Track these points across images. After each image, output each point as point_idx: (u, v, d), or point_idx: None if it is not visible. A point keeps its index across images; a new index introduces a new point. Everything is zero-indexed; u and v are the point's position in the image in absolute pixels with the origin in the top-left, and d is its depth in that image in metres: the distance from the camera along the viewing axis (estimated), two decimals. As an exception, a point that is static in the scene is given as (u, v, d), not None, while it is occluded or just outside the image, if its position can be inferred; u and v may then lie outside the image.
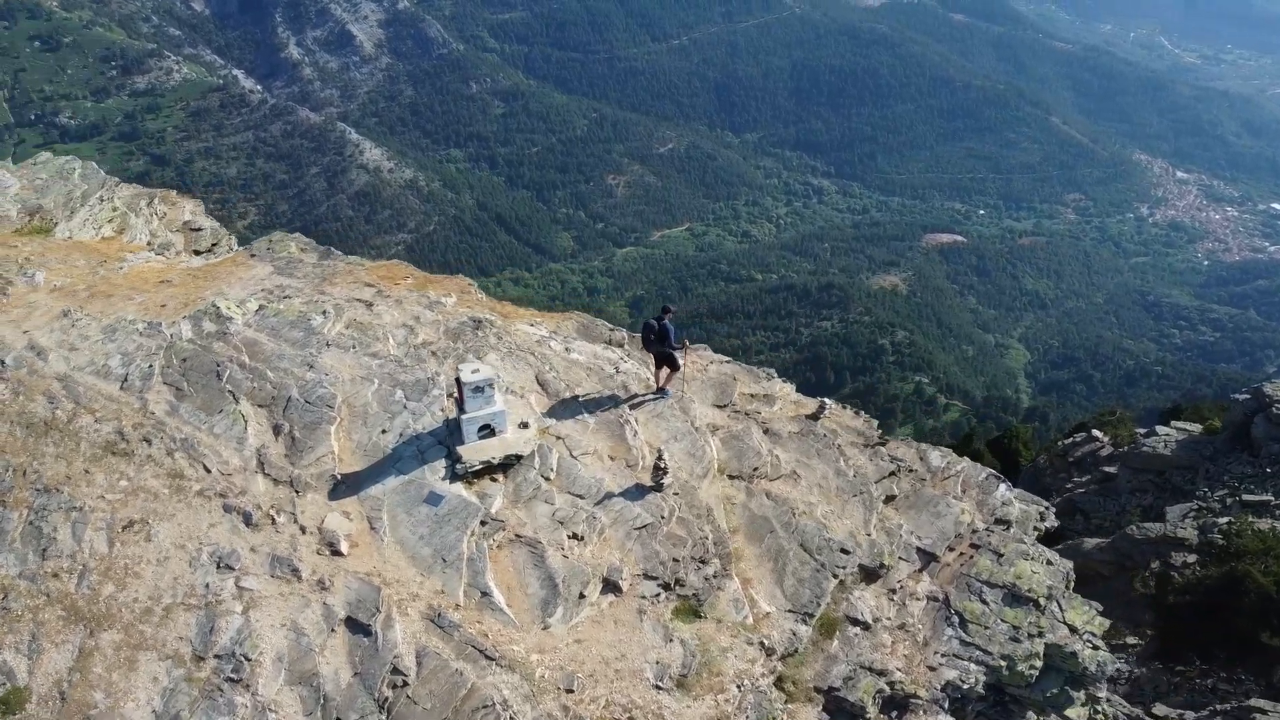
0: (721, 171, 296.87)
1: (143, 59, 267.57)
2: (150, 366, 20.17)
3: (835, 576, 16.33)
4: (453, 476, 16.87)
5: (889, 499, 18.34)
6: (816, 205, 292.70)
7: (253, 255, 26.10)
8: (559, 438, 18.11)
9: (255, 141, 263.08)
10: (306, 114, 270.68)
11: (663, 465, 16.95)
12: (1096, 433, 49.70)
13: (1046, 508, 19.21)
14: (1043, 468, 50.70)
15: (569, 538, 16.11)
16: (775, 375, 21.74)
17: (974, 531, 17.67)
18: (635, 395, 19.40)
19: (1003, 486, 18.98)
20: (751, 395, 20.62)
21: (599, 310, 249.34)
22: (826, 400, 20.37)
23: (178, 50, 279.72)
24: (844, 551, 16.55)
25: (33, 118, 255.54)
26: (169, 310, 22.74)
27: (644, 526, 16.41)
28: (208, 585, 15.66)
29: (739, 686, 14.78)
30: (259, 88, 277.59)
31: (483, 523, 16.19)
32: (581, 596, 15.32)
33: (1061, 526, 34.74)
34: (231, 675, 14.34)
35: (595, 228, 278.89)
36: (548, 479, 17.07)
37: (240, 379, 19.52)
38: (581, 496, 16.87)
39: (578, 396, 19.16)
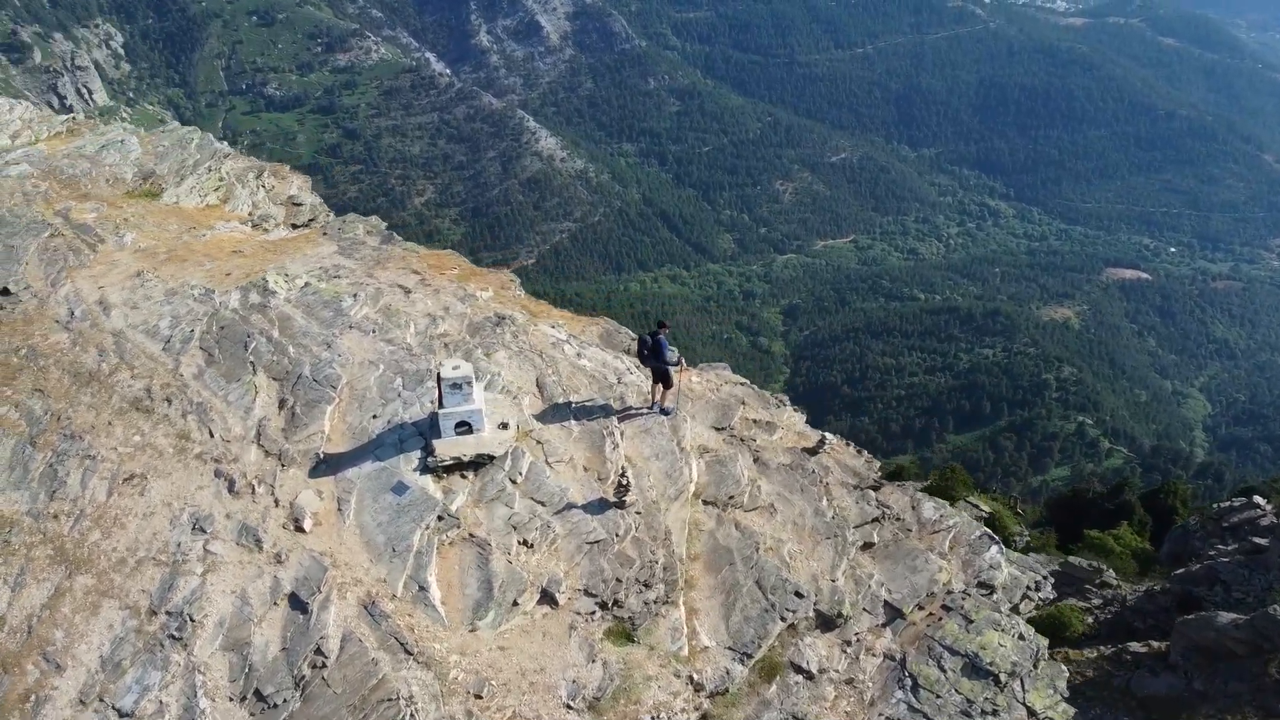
0: (893, 185, 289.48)
1: (345, 38, 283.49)
2: (192, 331, 21.39)
3: (784, 619, 15.70)
4: (424, 469, 17.16)
5: (866, 546, 17.45)
6: (990, 228, 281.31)
7: (324, 234, 27.26)
8: (539, 442, 18.14)
9: (439, 123, 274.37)
10: (489, 100, 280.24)
11: (626, 482, 16.72)
12: (1259, 499, 45.68)
13: (1044, 578, 17.85)
14: (1193, 529, 46.98)
15: (519, 543, 16.12)
16: (787, 403, 21.05)
17: (949, 592, 16.58)
18: (629, 408, 19.19)
19: (994, 549, 17.73)
20: (754, 421, 20.03)
21: (752, 315, 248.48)
22: (828, 435, 19.57)
23: (378, 31, 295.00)
24: (798, 595, 15.88)
25: (244, 87, 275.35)
26: (231, 279, 24.02)
27: (596, 542, 16.24)
28: (179, 545, 16.50)
29: (654, 718, 14.43)
30: (448, 71, 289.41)
31: (439, 518, 16.39)
32: (515, 604, 15.31)
33: (1198, 596, 32.21)
34: (174, 633, 15.07)
35: (758, 232, 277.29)
36: (514, 482, 17.12)
37: (263, 351, 20.44)
38: (543, 504, 16.84)
39: (571, 403, 19.12)
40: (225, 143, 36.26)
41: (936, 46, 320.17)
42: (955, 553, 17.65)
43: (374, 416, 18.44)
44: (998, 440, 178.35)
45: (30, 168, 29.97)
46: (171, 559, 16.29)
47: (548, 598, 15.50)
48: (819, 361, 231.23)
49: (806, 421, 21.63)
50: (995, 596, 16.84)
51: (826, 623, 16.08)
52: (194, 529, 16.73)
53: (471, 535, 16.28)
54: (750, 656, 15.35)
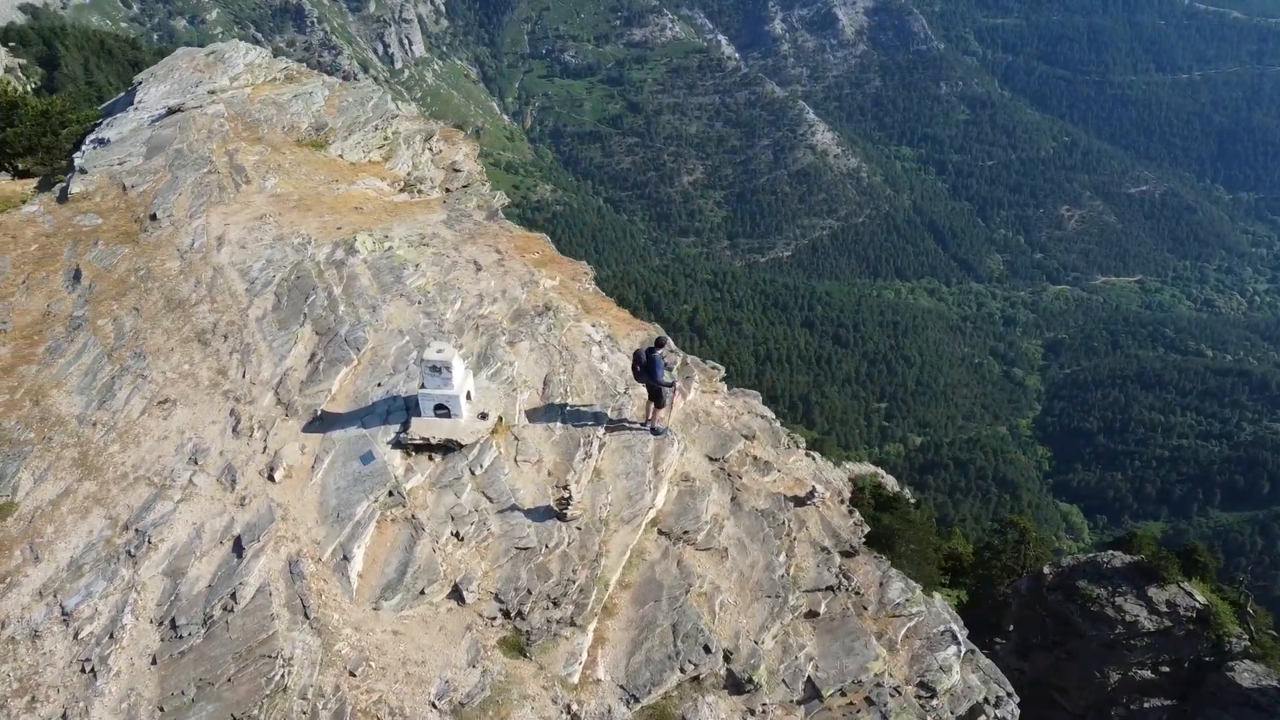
0: (1198, 227, 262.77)
1: (644, 14, 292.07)
2: (273, 277, 23.01)
3: (684, 671, 14.86)
4: (395, 443, 17.61)
5: (811, 614, 16.09)
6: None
7: (444, 203, 28.36)
8: (517, 439, 18.11)
9: (719, 105, 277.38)
10: (772, 87, 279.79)
11: (567, 496, 16.38)
12: None
13: (1007, 694, 15.71)
14: None
15: (451, 534, 16.23)
16: (801, 446, 19.75)
17: (878, 685, 14.99)
18: (623, 420, 18.73)
19: (952, 649, 15.78)
20: (754, 458, 18.96)
21: (1010, 343, 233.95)
22: (818, 487, 18.15)
23: (675, 10, 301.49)
24: (706, 649, 14.96)
25: (544, 51, 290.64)
26: (340, 233, 25.55)
27: (525, 549, 16.05)
28: (172, 471, 17.92)
29: (516, 737, 14.18)
30: (736, 55, 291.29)
31: (390, 494, 16.80)
32: (423, 593, 15.45)
33: None
34: (131, 550, 16.40)
35: (1032, 257, 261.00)
36: (473, 473, 17.22)
37: (318, 305, 21.67)
38: (491, 500, 16.84)
39: (567, 405, 18.92)
40: (403, 103, 38.49)
41: (1277, 80, 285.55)
42: (907, 644, 15.94)
43: (378, 385, 19.10)
44: (1271, 526, 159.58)
45: (225, 109, 33.18)
46: (161, 482, 17.71)
47: (457, 594, 15.52)
48: (1076, 404, 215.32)
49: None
50: (934, 701, 15.07)
51: (736, 685, 15.06)
52: (189, 459, 18.08)
53: (413, 517, 16.56)
54: (638, 700, 14.68)
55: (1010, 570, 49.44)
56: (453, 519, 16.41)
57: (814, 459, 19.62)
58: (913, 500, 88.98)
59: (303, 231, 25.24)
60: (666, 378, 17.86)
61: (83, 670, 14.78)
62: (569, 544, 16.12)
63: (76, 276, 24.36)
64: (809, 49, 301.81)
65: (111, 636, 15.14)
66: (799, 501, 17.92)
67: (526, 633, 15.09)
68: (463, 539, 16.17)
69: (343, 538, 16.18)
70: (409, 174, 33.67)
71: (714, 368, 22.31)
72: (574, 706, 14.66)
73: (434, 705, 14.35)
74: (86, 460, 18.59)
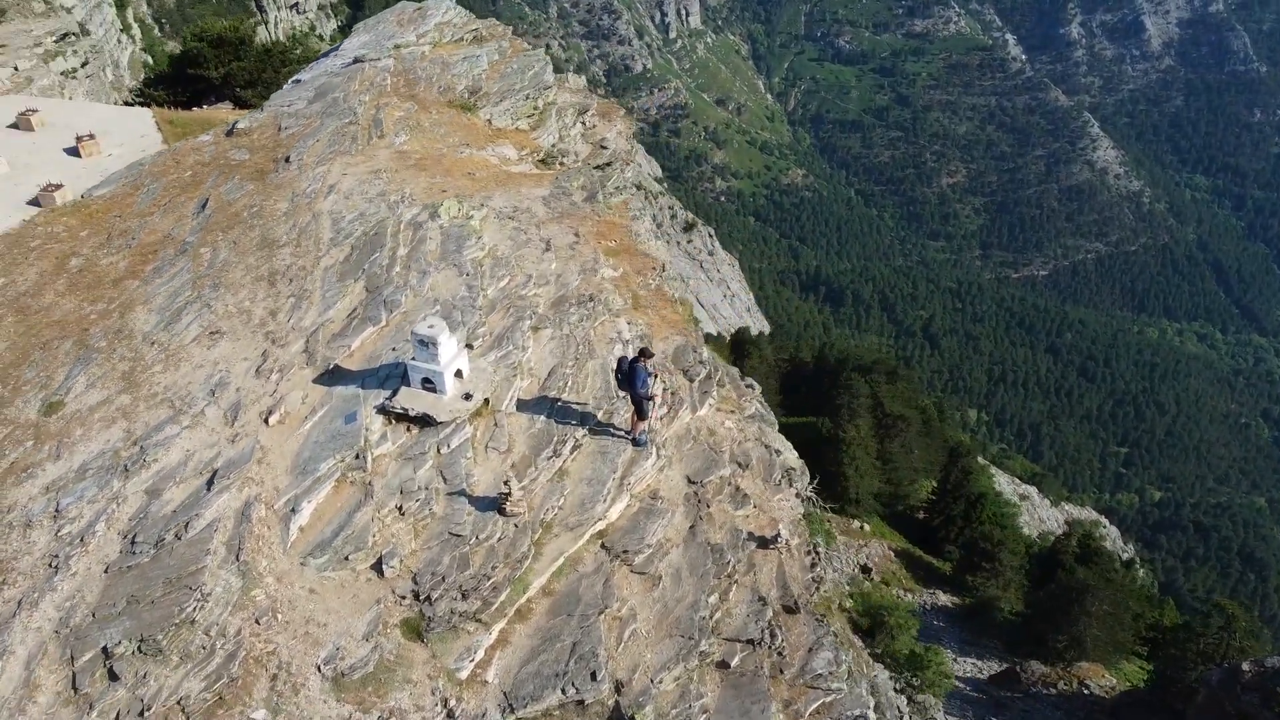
0: None
1: (928, 4, 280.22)
2: (356, 230, 24.09)
3: (565, 693, 14.38)
4: (380, 409, 18.06)
5: (723, 664, 15.04)
6: None
7: (555, 179, 28.55)
8: (496, 425, 18.08)
9: (994, 107, 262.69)
10: (1057, 95, 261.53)
11: (506, 492, 16.19)
12: None
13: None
14: None
15: (394, 508, 16.48)
16: (793, 487, 18.45)
17: (760, 757, 13.82)
18: (609, 425, 18.24)
19: (859, 736, 14.24)
20: (736, 488, 17.90)
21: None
22: (783, 532, 16.87)
23: (964, 3, 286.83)
24: (592, 676, 14.39)
25: (818, 34, 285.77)
26: (441, 195, 26.35)
27: (457, 535, 16.05)
28: (191, 398, 19.26)
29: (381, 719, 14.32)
30: (1022, 57, 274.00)
31: (356, 456, 17.27)
32: (346, 559, 15.82)
33: None
34: (129, 465, 17.81)
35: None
36: (438, 452, 17.37)
37: (378, 264, 22.48)
38: (445, 481, 16.94)
39: (559, 400, 18.66)
40: (569, 75, 38.97)
41: None
42: (812, 720, 14.60)
43: (392, 349, 19.60)
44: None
45: (394, 65, 34.89)
46: (179, 407, 19.09)
47: (379, 566, 15.76)
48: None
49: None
50: (819, 789, 13.76)
51: (619, 720, 14.45)
52: (210, 390, 19.36)
53: (369, 483, 16.95)
54: (514, 711, 14.40)
55: (1207, 657, 44.61)
56: (401, 492, 16.65)
57: (801, 506, 18.30)
58: (1125, 558, 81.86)
59: (406, 190, 26.15)
60: (645, 390, 17.20)
61: (50, 565, 16.25)
62: (499, 540, 15.96)
63: (204, 206, 26.53)
64: (1106, 58, 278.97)
65: (82, 540, 16.53)
66: (762, 543, 16.84)
67: (429, 619, 15.12)
68: (404, 514, 16.39)
69: (299, 490, 16.80)
70: (553, 145, 34.12)
71: (749, 386, 21.32)
72: (451, 702, 14.58)
73: (319, 669, 14.71)
74: (132, 375, 20.30)
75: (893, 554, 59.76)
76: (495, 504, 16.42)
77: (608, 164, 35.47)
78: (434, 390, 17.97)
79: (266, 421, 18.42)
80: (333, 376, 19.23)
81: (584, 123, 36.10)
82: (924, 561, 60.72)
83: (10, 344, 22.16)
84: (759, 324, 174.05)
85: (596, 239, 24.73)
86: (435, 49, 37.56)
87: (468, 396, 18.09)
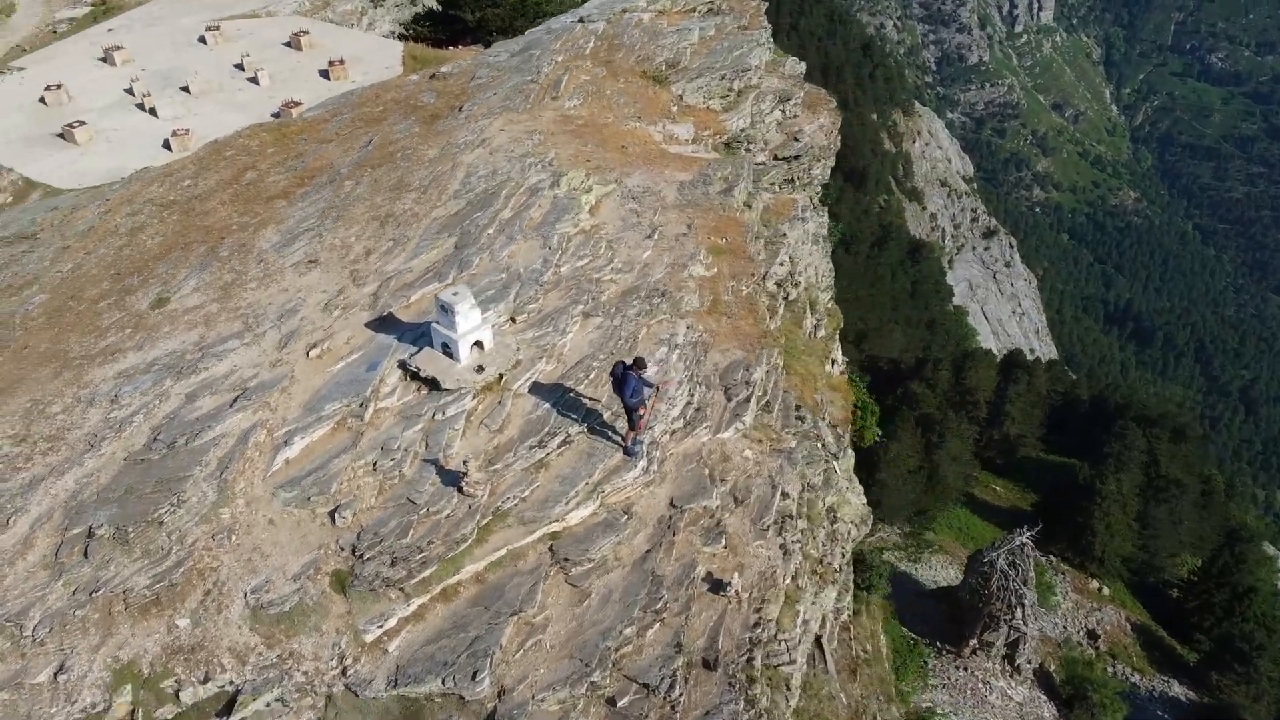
0: None
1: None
2: (480, 187, 24.67)
3: (445, 684, 14.18)
4: (400, 364, 18.53)
5: (611, 701, 14.13)
6: None
7: (704, 166, 27.65)
8: (500, 403, 17.99)
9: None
10: None
11: (464, 473, 16.11)
12: None
13: None
14: None
15: (370, 464, 16.90)
16: (773, 537, 16.85)
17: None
18: (610, 428, 17.60)
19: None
20: (715, 523, 16.67)
21: None
22: (736, 582, 15.48)
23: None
24: (473, 676, 14.09)
25: (1187, 47, 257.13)
26: (587, 165, 26.42)
27: (411, 503, 16.21)
28: (261, 318, 20.66)
29: (281, 661, 14.90)
30: None
31: (361, 404, 17.85)
32: (309, 500, 16.43)
33: None
34: (184, 370, 19.42)
35: None
36: (432, 418, 17.57)
37: (476, 223, 22.92)
38: (425, 447, 17.13)
39: (571, 391, 18.24)
40: (787, 61, 37.41)
41: None
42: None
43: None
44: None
45: (606, 28, 35.21)
46: (248, 324, 20.54)
47: (333, 516, 16.26)
48: None
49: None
50: None
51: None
52: (280, 315, 20.66)
53: (360, 434, 17.48)
54: (397, 687, 14.45)
55: None
56: (382, 449, 17.03)
57: (774, 558, 16.72)
58: None
59: (551, 155, 26.37)
60: (634, 400, 16.42)
61: (89, 443, 18.12)
62: (446, 517, 15.97)
63: (370, 142, 28.19)
64: None
65: (120, 428, 18.29)
66: (715, 586, 15.69)
67: (357, 577, 15.44)
68: (376, 470, 16.77)
69: (299, 425, 17.62)
70: (741, 130, 33.12)
71: (798, 417, 19.85)
72: (347, 661, 14.89)
73: (245, 595, 15.46)
74: (230, 288, 22.06)
75: (1129, 626, 54.34)
76: (458, 482, 16.40)
77: (795, 157, 34.06)
78: (451, 356, 18.15)
79: (308, 354, 19.40)
80: (383, 324, 19.89)
81: (783, 111, 34.71)
82: (1165, 644, 54.57)
83: (164, 239, 24.77)
84: (1046, 349, 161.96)
85: (709, 233, 23.82)
86: (660, 16, 37.41)
87: (480, 369, 18.11)
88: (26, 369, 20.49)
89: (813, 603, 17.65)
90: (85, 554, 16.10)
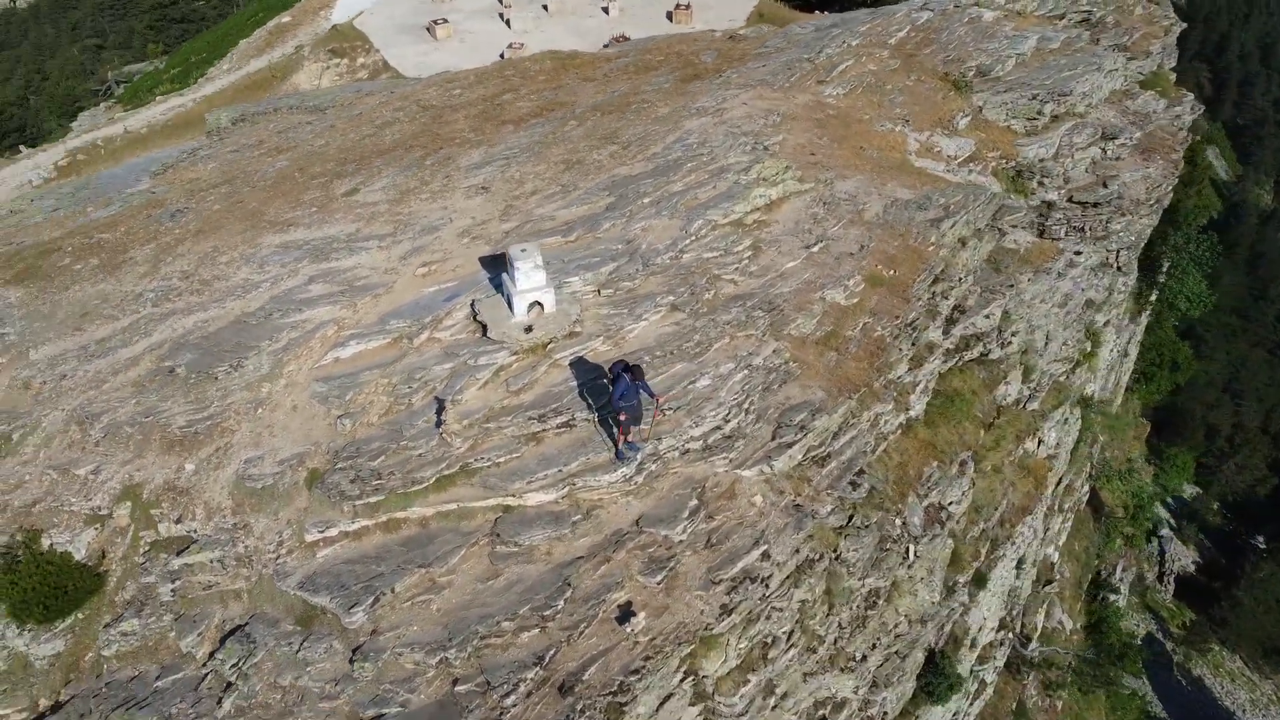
0: None
1: None
2: (676, 153, 24.20)
3: (330, 603, 14.87)
4: (471, 304, 19.03)
5: (455, 683, 13.79)
6: None
7: (933, 191, 24.88)
8: (533, 368, 17.82)
9: None
10: None
11: (444, 419, 16.34)
12: None
13: None
14: None
15: (391, 384, 17.57)
16: (731, 595, 15.08)
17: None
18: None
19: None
20: (666, 557, 15.32)
21: None
22: (642, 620, 14.15)
23: None
24: (350, 607, 14.55)
25: None
26: (809, 159, 24.90)
27: (395, 431, 16.77)
28: (407, 229, 22.11)
29: (242, 533, 16.39)
30: None
31: (419, 329, 18.64)
32: (328, 399, 17.53)
33: None
34: (322, 253, 21.43)
35: None
36: (464, 362, 17.86)
37: (644, 189, 22.55)
38: (443, 385, 17.50)
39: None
40: (1145, 95, 31.95)
41: None
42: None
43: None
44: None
45: (930, 19, 32.61)
46: (393, 231, 22.06)
47: (340, 420, 17.26)
48: None
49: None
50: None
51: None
52: (423, 230, 21.95)
53: (404, 355, 18.26)
54: (302, 590, 15.38)
55: None
56: (408, 374, 17.73)
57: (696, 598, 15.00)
58: None
59: (775, 139, 25.03)
60: (622, 403, 15.57)
61: (223, 295, 20.73)
62: (417, 456, 16.36)
63: (620, 89, 28.57)
64: None
65: (249, 290, 20.72)
66: (623, 616, 14.63)
67: (321, 479, 16.35)
68: (392, 391, 17.52)
69: (362, 331, 18.79)
70: (1038, 161, 29.21)
71: (853, 483, 17.69)
72: (282, 551, 15.96)
73: (240, 464, 17.04)
74: (406, 194, 23.72)
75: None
76: (438, 426, 16.70)
77: (1093, 204, 29.52)
78: (508, 307, 18.35)
79: (417, 271, 20.51)
80: (493, 262, 20.43)
81: (1103, 149, 30.01)
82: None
83: (399, 138, 27.15)
84: None
85: (879, 261, 21.57)
86: (1006, 18, 33.76)
87: (529, 329, 18.11)
88: (231, 220, 23.70)
89: (766, 671, 15.96)
90: (160, 385, 18.57)
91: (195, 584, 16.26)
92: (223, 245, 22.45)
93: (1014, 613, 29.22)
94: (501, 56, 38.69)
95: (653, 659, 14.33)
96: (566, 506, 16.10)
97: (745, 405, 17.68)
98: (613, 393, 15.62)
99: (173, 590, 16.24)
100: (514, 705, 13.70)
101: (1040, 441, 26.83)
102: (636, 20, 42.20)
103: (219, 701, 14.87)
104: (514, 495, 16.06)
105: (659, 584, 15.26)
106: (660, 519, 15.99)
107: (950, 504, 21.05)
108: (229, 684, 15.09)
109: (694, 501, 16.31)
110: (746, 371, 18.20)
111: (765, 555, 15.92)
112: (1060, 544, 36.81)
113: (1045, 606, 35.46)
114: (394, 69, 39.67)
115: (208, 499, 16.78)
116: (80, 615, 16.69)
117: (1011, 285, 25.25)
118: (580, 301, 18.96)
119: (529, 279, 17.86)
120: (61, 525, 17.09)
